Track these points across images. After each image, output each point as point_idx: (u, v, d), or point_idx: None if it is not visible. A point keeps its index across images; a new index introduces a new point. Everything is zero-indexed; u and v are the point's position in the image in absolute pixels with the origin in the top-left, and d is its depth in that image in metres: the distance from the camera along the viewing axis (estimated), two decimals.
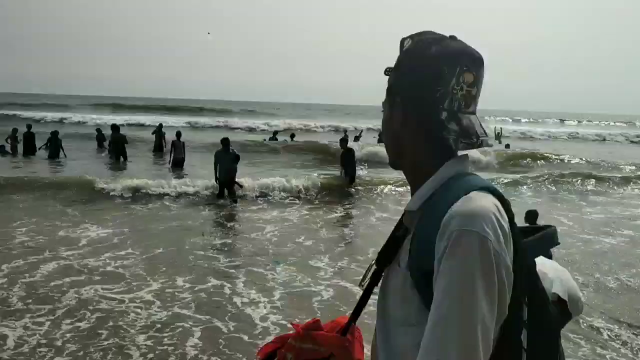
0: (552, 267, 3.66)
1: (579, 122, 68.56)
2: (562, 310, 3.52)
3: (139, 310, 5.49)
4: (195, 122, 37.07)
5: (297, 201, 11.99)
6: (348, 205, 11.86)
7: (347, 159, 13.15)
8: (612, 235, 9.69)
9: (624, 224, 10.64)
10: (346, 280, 6.66)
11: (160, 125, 20.89)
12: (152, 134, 20.27)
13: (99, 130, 21.55)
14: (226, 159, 11.54)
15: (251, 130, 35.27)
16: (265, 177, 13.11)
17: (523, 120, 67.42)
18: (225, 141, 11.72)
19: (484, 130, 1.04)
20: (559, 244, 1.14)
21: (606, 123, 69.19)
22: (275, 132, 25.56)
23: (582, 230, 9.95)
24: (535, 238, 1.09)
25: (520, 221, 5.25)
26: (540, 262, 4.47)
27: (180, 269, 6.95)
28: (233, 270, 7.03)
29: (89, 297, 5.83)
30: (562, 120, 70.71)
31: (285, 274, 6.87)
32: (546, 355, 1.00)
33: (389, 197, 12.73)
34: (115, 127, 17.91)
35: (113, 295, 5.92)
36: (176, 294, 6.02)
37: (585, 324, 5.44)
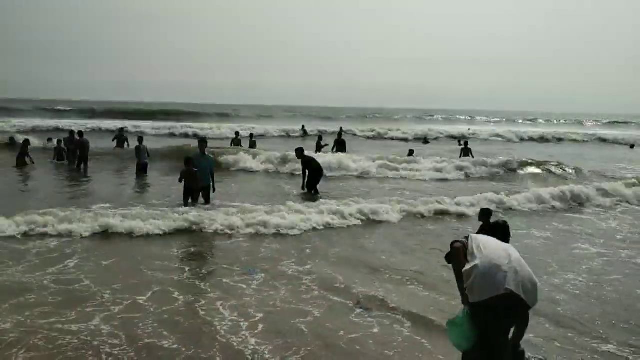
0: (508, 257, 3.47)
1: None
2: (518, 302, 3.38)
3: (99, 347, 4.50)
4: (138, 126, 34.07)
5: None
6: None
7: (305, 170, 12.22)
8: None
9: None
10: (329, 291, 5.99)
11: (122, 130, 20.46)
12: (113, 140, 19.46)
13: (58, 141, 19.35)
14: (204, 164, 10.39)
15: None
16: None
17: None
18: (202, 142, 10.66)
19: None
20: None
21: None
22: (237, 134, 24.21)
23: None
24: None
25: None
26: (496, 251, 3.89)
27: (138, 284, 6.02)
28: (201, 283, 6.21)
29: (24, 329, 4.77)
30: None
31: (260, 285, 6.15)
32: None
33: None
34: (79, 133, 16.92)
35: (61, 326, 4.90)
36: (141, 318, 5.09)
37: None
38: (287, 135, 34.04)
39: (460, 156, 20.70)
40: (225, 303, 5.54)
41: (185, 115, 51.10)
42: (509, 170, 17.87)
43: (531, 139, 38.87)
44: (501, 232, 5.50)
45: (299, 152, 12.42)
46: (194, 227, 8.67)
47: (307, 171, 12.22)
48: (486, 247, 3.55)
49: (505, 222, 4.38)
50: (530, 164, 18.80)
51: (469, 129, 39.96)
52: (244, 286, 6.10)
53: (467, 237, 3.75)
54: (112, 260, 6.97)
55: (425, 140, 32.83)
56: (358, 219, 9.79)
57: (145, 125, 34.70)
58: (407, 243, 8.55)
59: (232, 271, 6.65)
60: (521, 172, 17.91)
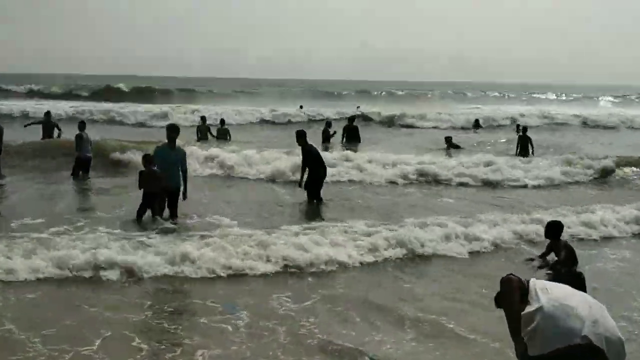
0: (584, 302, 3.52)
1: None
2: (598, 358, 3.42)
3: None
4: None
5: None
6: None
7: (305, 163, 12.19)
8: None
9: None
10: (339, 338, 5.95)
11: (48, 114, 19.44)
12: (26, 126, 18.96)
13: None
14: (174, 160, 10.14)
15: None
16: None
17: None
18: (172, 130, 10.35)
19: None
20: None
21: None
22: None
23: None
24: None
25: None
26: (566, 293, 3.90)
27: (80, 327, 5.98)
28: (170, 325, 6.18)
29: None
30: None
31: (248, 326, 6.13)
32: None
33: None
34: None
35: None
36: None
37: None
38: (288, 121, 31.73)
39: (517, 150, 20.11)
40: (206, 353, 5.50)
41: (135, 94, 47.38)
42: (600, 174, 16.71)
43: (622, 125, 35.47)
44: (572, 284, 5.59)
45: (300, 136, 12.34)
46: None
47: (307, 165, 12.15)
48: (553, 288, 3.64)
49: (580, 274, 4.43)
50: (632, 164, 17.73)
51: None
52: (229, 328, 6.09)
53: (527, 281, 3.82)
54: (40, 292, 6.92)
55: (476, 123, 31.74)
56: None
57: (84, 107, 33.66)
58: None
59: (209, 307, 6.64)
60: (617, 176, 16.90)
